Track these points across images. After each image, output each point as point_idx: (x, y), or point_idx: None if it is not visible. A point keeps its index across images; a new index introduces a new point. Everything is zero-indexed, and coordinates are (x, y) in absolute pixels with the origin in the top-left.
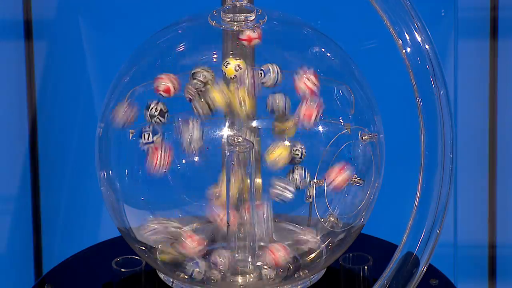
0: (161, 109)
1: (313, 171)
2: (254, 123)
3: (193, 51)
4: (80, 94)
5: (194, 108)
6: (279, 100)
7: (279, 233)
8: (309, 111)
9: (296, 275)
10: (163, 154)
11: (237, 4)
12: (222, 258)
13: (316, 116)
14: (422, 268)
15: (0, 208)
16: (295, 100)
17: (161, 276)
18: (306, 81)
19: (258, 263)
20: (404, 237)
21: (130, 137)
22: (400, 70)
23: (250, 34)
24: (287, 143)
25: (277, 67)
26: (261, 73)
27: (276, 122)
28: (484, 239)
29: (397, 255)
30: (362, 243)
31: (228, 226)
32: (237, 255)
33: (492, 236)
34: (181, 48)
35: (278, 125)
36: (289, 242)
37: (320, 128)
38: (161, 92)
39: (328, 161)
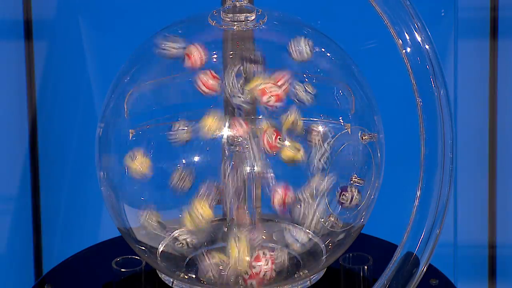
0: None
1: None
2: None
3: None
4: (80, 94)
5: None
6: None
7: (278, 233)
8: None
9: (296, 275)
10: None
11: (237, 4)
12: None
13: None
14: (422, 268)
15: (0, 208)
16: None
17: (161, 276)
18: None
19: (258, 263)
20: (404, 237)
21: (130, 137)
22: (400, 70)
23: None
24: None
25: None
26: None
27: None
28: (484, 239)
29: (397, 255)
30: (362, 243)
31: (228, 226)
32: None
33: (492, 236)
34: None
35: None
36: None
37: (320, 128)
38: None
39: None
